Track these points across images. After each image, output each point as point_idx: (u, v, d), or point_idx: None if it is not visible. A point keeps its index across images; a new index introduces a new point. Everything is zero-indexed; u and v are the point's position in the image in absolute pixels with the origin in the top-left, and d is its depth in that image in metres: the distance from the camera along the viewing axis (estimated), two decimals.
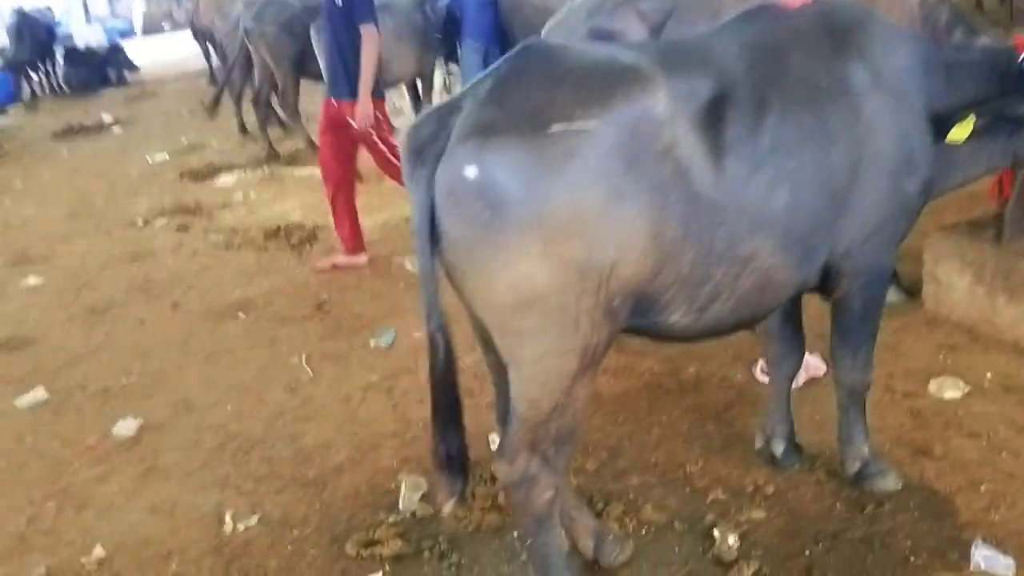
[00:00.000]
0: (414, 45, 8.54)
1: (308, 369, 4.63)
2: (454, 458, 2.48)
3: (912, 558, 2.88)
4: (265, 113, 9.76)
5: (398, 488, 3.52)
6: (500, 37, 8.65)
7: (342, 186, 6.00)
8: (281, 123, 10.26)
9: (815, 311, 3.29)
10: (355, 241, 6.07)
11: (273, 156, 9.40)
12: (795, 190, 2.52)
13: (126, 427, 4.22)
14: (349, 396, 4.32)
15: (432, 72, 9.07)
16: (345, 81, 5.77)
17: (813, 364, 4.00)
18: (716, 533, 3.03)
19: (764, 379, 4.03)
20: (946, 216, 4.63)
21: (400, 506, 3.41)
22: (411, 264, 5.84)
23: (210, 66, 16.23)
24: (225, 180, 8.95)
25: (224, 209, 7.88)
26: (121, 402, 4.53)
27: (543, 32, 4.79)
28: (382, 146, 5.87)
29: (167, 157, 10.30)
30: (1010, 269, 4.03)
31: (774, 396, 3.34)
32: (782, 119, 2.50)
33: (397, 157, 5.49)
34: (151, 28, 27.24)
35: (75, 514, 3.64)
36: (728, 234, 2.42)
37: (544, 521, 2.57)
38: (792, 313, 3.21)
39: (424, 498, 3.43)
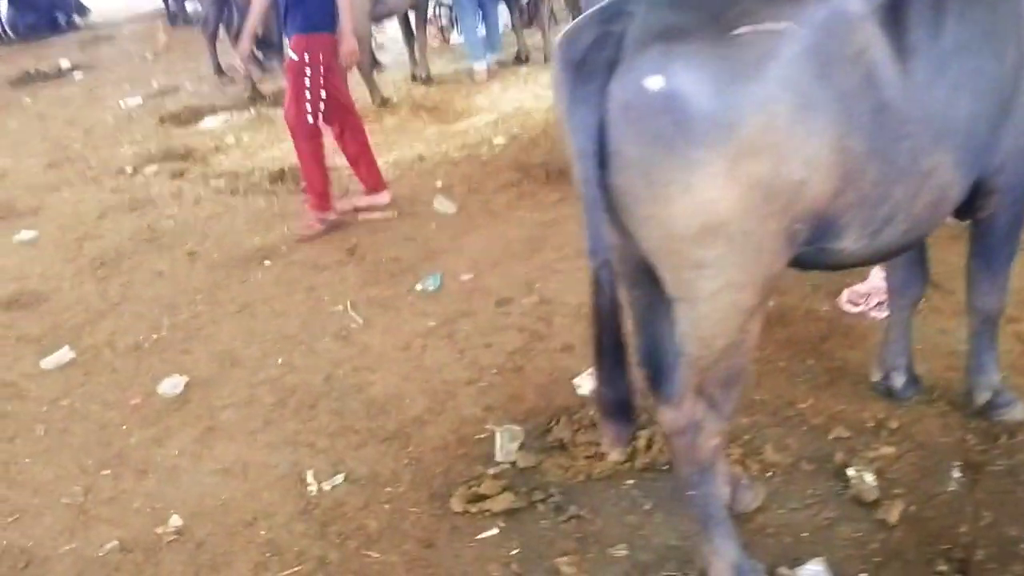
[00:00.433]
0: None
1: (356, 317, 4.35)
2: (623, 403, 2.24)
3: None
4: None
5: (489, 438, 3.30)
6: None
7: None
8: (259, 63, 9.76)
9: None
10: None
11: (258, 96, 8.95)
12: (975, 96, 2.29)
13: (172, 385, 3.92)
14: (408, 343, 4.06)
15: (427, 3, 8.66)
16: (298, 12, 5.06)
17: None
18: (851, 472, 2.86)
19: (851, 309, 3.87)
20: None
21: (497, 457, 3.19)
22: (440, 204, 5.57)
23: (167, 7, 15.54)
24: (210, 123, 8.49)
25: (218, 154, 7.46)
26: (157, 359, 4.22)
27: None
28: (308, 92, 5.12)
29: (140, 101, 9.77)
30: None
31: (894, 326, 3.15)
32: (960, 17, 2.26)
33: (316, 110, 5.16)
34: None
35: (136, 481, 3.36)
36: (911, 147, 2.19)
37: (708, 470, 2.36)
38: None
39: (522, 447, 3.21)
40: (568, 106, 2.03)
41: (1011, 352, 3.42)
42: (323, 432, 3.50)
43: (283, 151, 7.22)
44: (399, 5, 8.11)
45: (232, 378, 3.97)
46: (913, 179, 2.24)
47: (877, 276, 3.88)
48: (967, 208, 2.69)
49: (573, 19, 9.06)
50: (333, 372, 3.90)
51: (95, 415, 3.81)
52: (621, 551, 2.70)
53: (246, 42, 5.70)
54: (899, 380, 3.17)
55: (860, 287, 3.92)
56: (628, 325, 2.31)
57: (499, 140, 6.74)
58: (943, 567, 2.50)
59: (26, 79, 11.94)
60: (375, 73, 8.45)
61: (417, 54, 8.82)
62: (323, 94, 5.11)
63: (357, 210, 5.65)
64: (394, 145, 7.02)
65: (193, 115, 8.79)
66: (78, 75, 12.05)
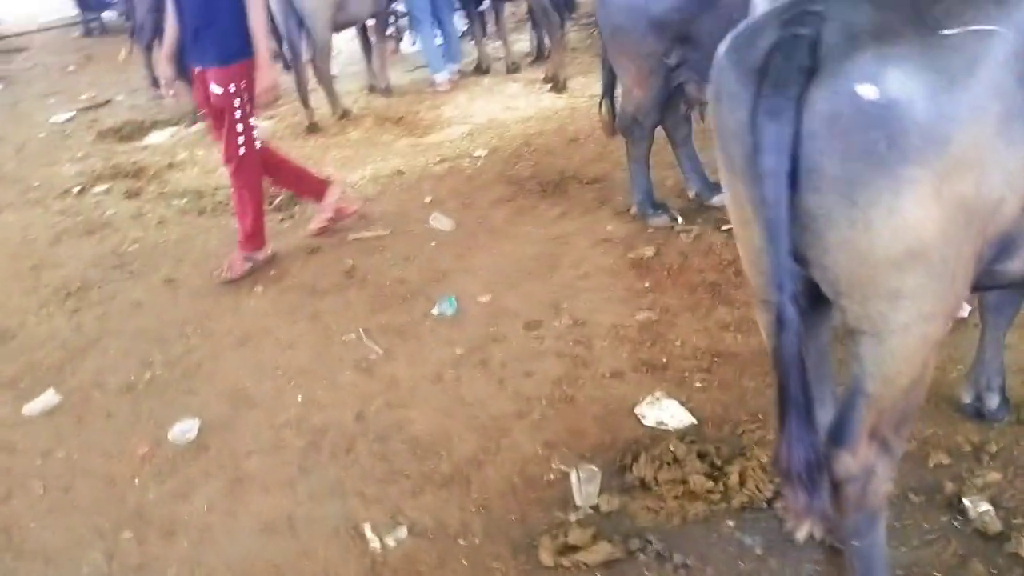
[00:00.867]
0: None
1: (374, 346, 4.02)
2: (814, 463, 1.97)
3: None
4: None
5: (560, 479, 3.04)
6: None
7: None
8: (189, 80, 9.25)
9: None
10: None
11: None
12: None
13: (183, 430, 3.54)
14: (439, 374, 3.76)
15: (388, 9, 8.33)
16: (211, 41, 4.46)
17: None
18: (967, 503, 2.70)
19: None
20: None
21: (577, 500, 2.93)
22: (436, 221, 5.27)
23: (83, 17, 14.77)
24: (157, 138, 7.98)
25: (173, 171, 6.97)
26: (157, 401, 3.82)
27: None
28: (239, 124, 4.56)
29: (72, 115, 9.16)
30: None
31: (988, 346, 3.00)
32: None
33: (249, 140, 4.61)
34: None
35: (165, 544, 2.98)
36: None
37: (877, 518, 2.15)
38: None
39: (602, 489, 2.95)
40: (756, 119, 1.79)
41: None
42: (370, 478, 3.17)
43: None
44: (361, 13, 7.75)
45: (250, 420, 3.60)
46: None
47: None
48: None
49: (537, 25, 8.88)
50: (364, 409, 3.57)
51: (99, 468, 3.40)
52: None
53: (167, 67, 4.89)
54: (993, 401, 3.03)
55: None
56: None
57: (479, 153, 6.47)
58: None
59: None
60: None
61: (376, 65, 8.48)
62: (253, 123, 4.67)
63: (330, 224, 5.25)
64: (367, 159, 6.69)
65: (136, 130, 8.25)
66: None
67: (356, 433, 3.43)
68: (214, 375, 3.96)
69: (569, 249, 4.75)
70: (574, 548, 2.71)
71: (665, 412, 3.33)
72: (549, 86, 7.84)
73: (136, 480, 3.31)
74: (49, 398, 3.87)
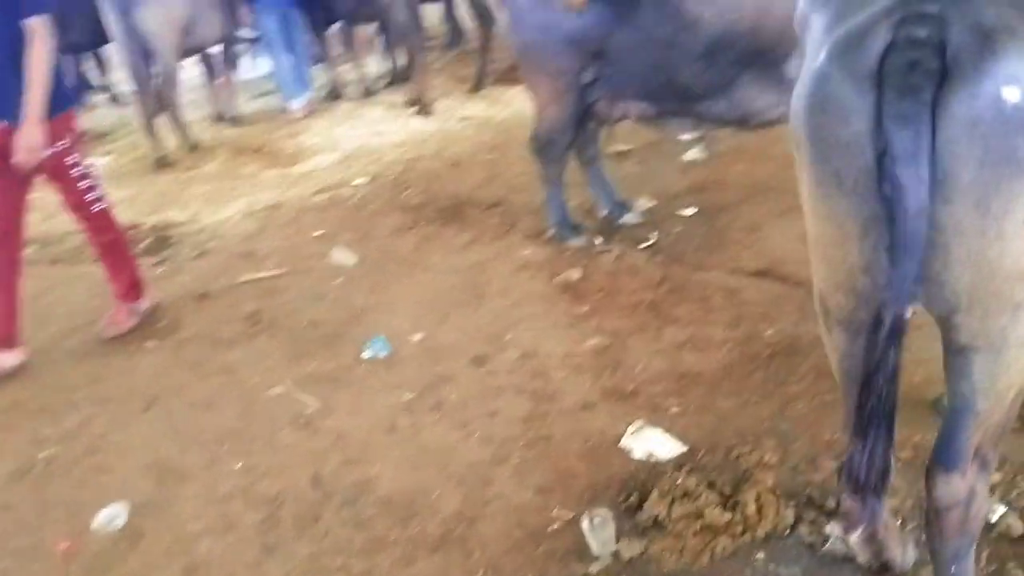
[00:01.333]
0: (219, 4, 7.25)
1: (308, 399, 3.64)
2: (885, 475, 1.88)
3: None
4: None
5: (566, 527, 2.80)
6: None
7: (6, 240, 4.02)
8: None
9: None
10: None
11: None
12: None
13: (109, 516, 3.03)
14: (392, 423, 3.43)
15: (234, 36, 7.82)
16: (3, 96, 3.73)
17: None
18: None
19: None
20: None
21: (594, 550, 2.69)
22: (338, 255, 4.92)
23: None
24: None
25: None
26: (64, 484, 3.28)
27: None
28: (76, 178, 3.98)
29: None
30: None
31: None
32: None
33: (95, 188, 4.07)
34: None
35: None
36: None
37: (975, 539, 2.05)
38: None
39: (620, 534, 2.74)
40: (883, 128, 1.65)
41: None
42: (349, 550, 2.81)
43: None
44: (210, 37, 7.22)
45: (186, 496, 3.14)
46: None
47: None
48: None
49: (391, 47, 8.52)
50: (318, 471, 3.19)
51: (15, 573, 2.85)
52: None
53: (37, 129, 3.74)
54: None
55: None
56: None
57: (359, 181, 6.14)
58: None
59: None
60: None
61: (222, 93, 7.93)
62: (93, 168, 4.19)
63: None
64: (234, 193, 6.20)
65: None
66: None
67: (317, 499, 3.05)
68: (125, 448, 3.45)
69: (491, 277, 4.52)
70: None
71: (651, 442, 3.16)
72: (414, 109, 7.58)
73: None
74: None
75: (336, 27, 8.44)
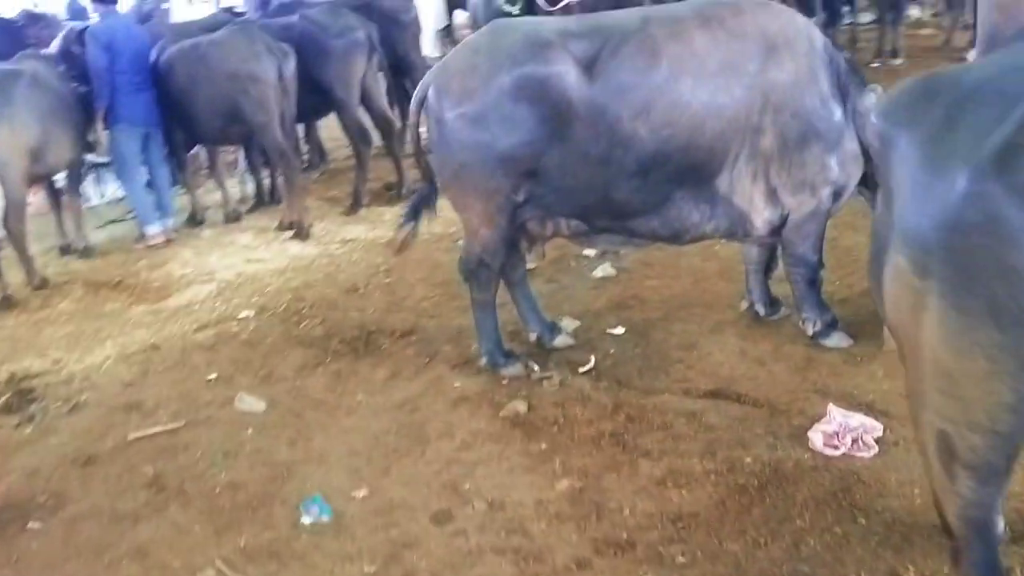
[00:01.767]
0: (70, 127, 6.61)
1: None
2: None
3: None
4: None
5: None
6: (175, 113, 7.11)
7: None
8: None
9: None
10: None
11: None
12: None
13: None
14: None
15: (83, 163, 7.14)
16: None
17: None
18: None
19: (833, 453, 3.57)
20: None
21: None
22: (244, 403, 4.36)
23: None
24: None
25: None
26: None
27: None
28: None
29: None
30: None
31: None
32: None
33: None
34: None
35: None
36: None
37: None
38: None
39: None
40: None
41: None
42: None
43: None
44: (60, 163, 6.53)
45: None
46: None
47: (837, 413, 3.68)
48: None
49: (255, 169, 7.97)
50: None
51: None
52: None
53: None
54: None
55: (826, 427, 3.65)
56: None
57: (246, 314, 5.58)
58: None
59: None
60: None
61: (71, 222, 7.20)
62: None
63: None
64: (100, 334, 5.49)
65: None
66: None
67: None
68: None
69: (427, 416, 4.09)
70: None
71: None
72: (290, 233, 7.10)
73: None
74: None
75: (196, 148, 7.90)
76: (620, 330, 4.78)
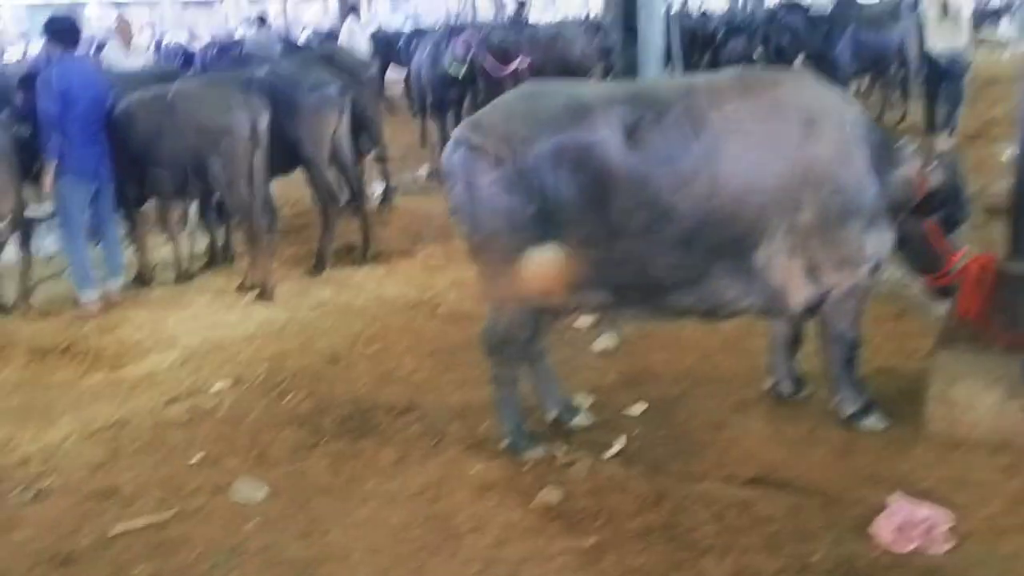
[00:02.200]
0: (9, 176, 6.06)
1: None
2: None
3: None
4: None
5: None
6: (132, 166, 6.62)
7: None
8: None
9: None
10: None
11: None
12: None
13: None
14: None
15: (22, 213, 6.56)
16: None
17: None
18: None
19: (908, 547, 3.35)
20: None
21: None
22: (243, 490, 3.91)
23: None
24: None
25: None
26: None
27: None
28: None
29: None
30: None
31: None
32: None
33: None
34: None
35: None
36: None
37: None
38: None
39: None
40: None
41: None
42: None
43: None
44: (5, 212, 5.96)
45: None
46: None
47: (903, 503, 3.47)
48: None
49: (210, 225, 7.48)
50: None
51: None
52: None
53: None
54: None
55: (892, 519, 3.43)
56: None
57: (220, 386, 5.10)
58: None
59: None
60: None
61: (16, 284, 6.59)
62: None
63: None
64: (53, 409, 4.93)
65: None
66: None
67: None
68: None
69: (451, 507, 3.73)
70: None
71: None
72: (252, 295, 6.64)
73: None
74: None
75: (148, 203, 7.37)
76: (638, 409, 4.52)
